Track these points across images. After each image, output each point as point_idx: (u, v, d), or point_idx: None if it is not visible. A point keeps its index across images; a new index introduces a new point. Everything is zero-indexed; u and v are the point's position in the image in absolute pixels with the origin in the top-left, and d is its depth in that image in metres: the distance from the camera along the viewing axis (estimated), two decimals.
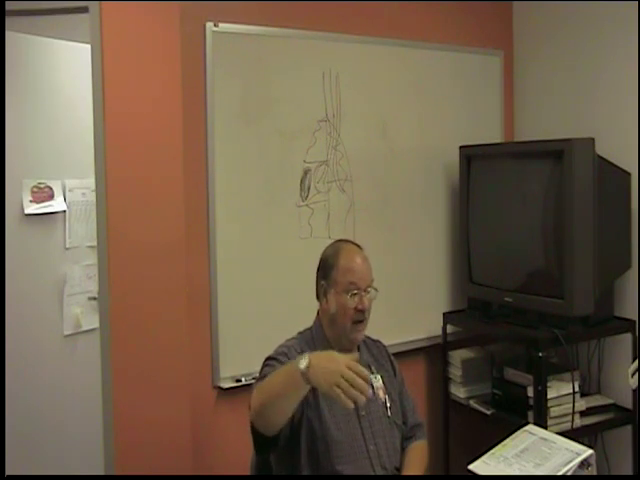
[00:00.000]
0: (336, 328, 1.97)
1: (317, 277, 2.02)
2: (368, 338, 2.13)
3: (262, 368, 1.90)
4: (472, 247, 3.01)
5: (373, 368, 2.04)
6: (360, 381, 1.50)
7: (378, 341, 2.17)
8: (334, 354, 1.61)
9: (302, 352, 1.92)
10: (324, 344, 1.97)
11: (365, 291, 1.95)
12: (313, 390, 1.87)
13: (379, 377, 2.03)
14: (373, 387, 1.99)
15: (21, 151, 3.05)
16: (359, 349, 2.04)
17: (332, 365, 1.53)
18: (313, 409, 1.88)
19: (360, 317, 1.94)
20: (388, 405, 2.00)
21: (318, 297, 2.02)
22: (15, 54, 2.99)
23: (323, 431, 1.86)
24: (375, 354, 2.10)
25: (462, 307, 3.14)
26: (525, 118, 3.36)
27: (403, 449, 2.04)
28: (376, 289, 1.98)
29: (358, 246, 2.06)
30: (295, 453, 1.87)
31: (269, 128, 2.68)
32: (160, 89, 2.43)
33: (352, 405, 1.50)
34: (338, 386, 1.49)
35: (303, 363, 1.55)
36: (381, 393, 2.01)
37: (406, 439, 2.07)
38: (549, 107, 3.21)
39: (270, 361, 1.89)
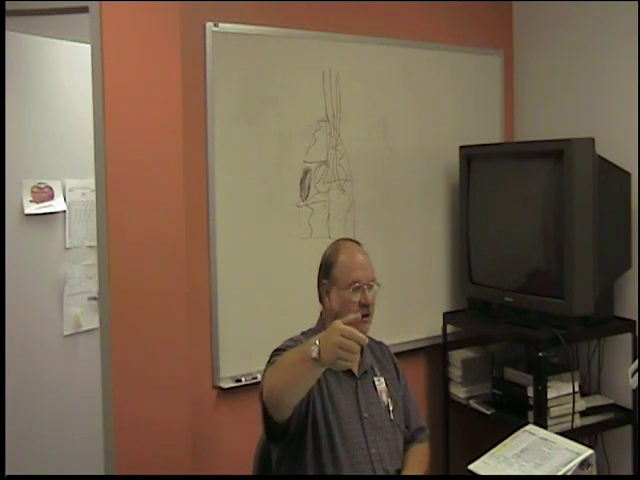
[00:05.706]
0: None
1: (318, 277, 2.02)
2: (371, 339, 2.11)
3: (270, 359, 1.87)
4: (472, 247, 3.01)
5: (376, 370, 2.04)
6: (352, 344, 1.51)
7: (381, 343, 2.16)
8: (332, 327, 1.58)
9: None
10: None
11: (368, 286, 1.95)
12: (320, 389, 1.87)
13: (382, 380, 2.03)
14: (377, 390, 2.00)
15: (21, 151, 3.05)
16: (362, 352, 2.03)
17: (330, 339, 1.53)
18: (319, 409, 1.88)
19: (365, 311, 1.93)
20: (391, 408, 2.00)
21: (321, 298, 2.02)
22: (15, 54, 2.99)
23: (327, 432, 1.86)
24: (378, 356, 2.10)
25: (462, 307, 3.14)
26: (525, 118, 3.36)
27: (405, 452, 2.03)
28: (378, 284, 1.99)
29: (358, 243, 2.07)
30: (301, 448, 1.87)
31: (269, 128, 2.68)
32: (160, 89, 2.43)
33: (349, 366, 1.56)
34: (340, 358, 1.51)
35: (315, 351, 1.55)
36: (384, 396, 2.00)
37: (408, 442, 2.06)
38: (549, 107, 3.21)
39: (279, 352, 1.87)
